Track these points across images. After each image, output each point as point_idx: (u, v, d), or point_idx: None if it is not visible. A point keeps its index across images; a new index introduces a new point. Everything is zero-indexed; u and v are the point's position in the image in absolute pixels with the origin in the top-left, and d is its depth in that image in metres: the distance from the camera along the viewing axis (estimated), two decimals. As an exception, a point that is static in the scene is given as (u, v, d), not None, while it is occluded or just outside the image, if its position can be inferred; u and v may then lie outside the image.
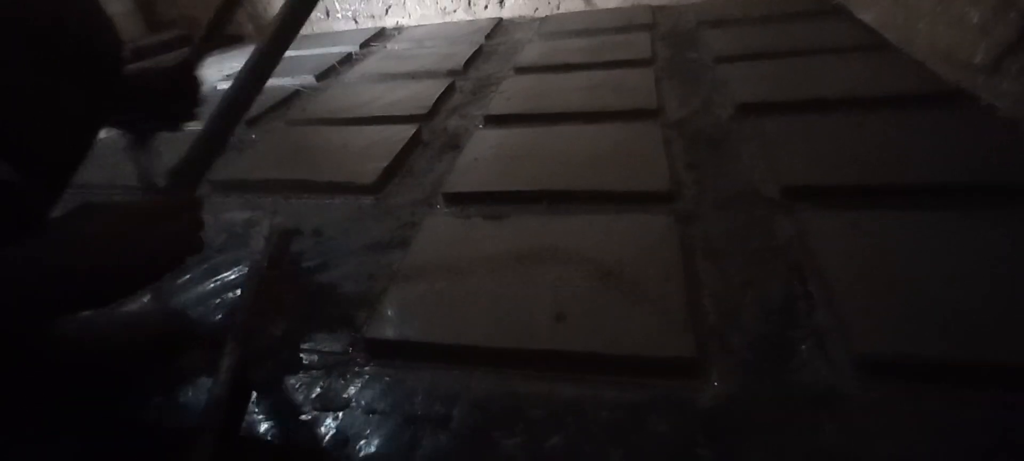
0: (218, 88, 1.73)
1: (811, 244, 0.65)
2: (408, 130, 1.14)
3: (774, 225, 0.72)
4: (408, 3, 2.16)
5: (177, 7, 2.43)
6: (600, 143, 0.97)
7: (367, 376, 0.59)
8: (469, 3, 2.11)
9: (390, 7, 2.19)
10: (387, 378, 0.59)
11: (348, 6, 2.23)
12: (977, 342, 0.50)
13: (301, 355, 0.63)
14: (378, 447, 0.51)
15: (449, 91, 1.38)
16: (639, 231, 0.72)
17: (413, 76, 1.52)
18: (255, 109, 1.35)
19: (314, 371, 0.61)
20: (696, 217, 0.77)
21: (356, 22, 2.26)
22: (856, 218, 0.69)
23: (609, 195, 0.83)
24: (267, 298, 0.73)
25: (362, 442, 0.51)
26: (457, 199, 0.89)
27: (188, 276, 0.80)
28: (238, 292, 0.75)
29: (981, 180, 0.75)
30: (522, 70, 1.45)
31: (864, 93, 1.02)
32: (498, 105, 1.22)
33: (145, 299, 0.77)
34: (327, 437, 0.53)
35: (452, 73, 1.50)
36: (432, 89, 1.36)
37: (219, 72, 1.90)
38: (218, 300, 0.75)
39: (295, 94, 1.53)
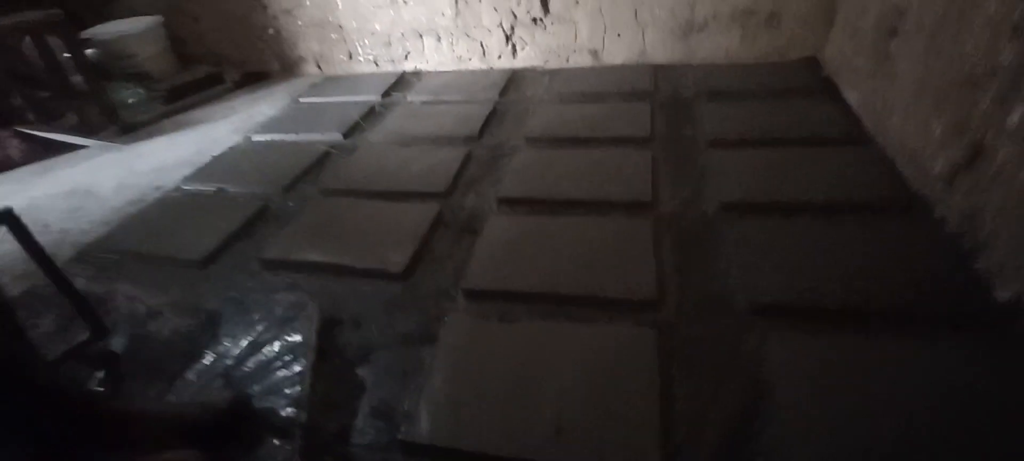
0: (253, 139, 1.89)
1: (769, 364, 0.80)
2: (431, 210, 1.30)
3: (740, 340, 0.87)
4: (426, 50, 2.30)
5: (205, 45, 2.59)
6: (598, 240, 1.12)
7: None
8: (483, 53, 2.25)
9: (409, 53, 2.34)
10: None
11: (370, 51, 2.37)
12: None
13: (351, 449, 0.79)
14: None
15: (466, 161, 1.52)
16: (627, 344, 0.87)
17: (433, 141, 1.67)
18: (291, 171, 1.52)
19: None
20: (676, 327, 0.91)
21: (377, 65, 2.40)
22: (811, 341, 0.83)
23: (603, 301, 0.97)
24: (322, 393, 0.88)
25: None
26: (475, 296, 1.04)
27: (250, 356, 0.96)
28: (295, 377, 0.91)
29: (923, 305, 0.89)
30: (532, 140, 1.60)
31: (835, 197, 1.16)
32: (510, 185, 1.36)
33: (218, 384, 0.93)
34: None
35: (469, 140, 1.65)
36: (451, 160, 1.51)
37: (250, 120, 2.05)
38: (279, 379, 0.91)
39: (325, 155, 1.68)
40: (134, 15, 2.48)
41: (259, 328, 1.03)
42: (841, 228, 1.07)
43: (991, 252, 0.94)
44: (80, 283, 1.24)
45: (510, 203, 1.31)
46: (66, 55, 2.14)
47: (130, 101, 2.27)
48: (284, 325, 1.03)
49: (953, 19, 1.12)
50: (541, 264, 1.07)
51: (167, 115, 2.22)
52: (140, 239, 1.37)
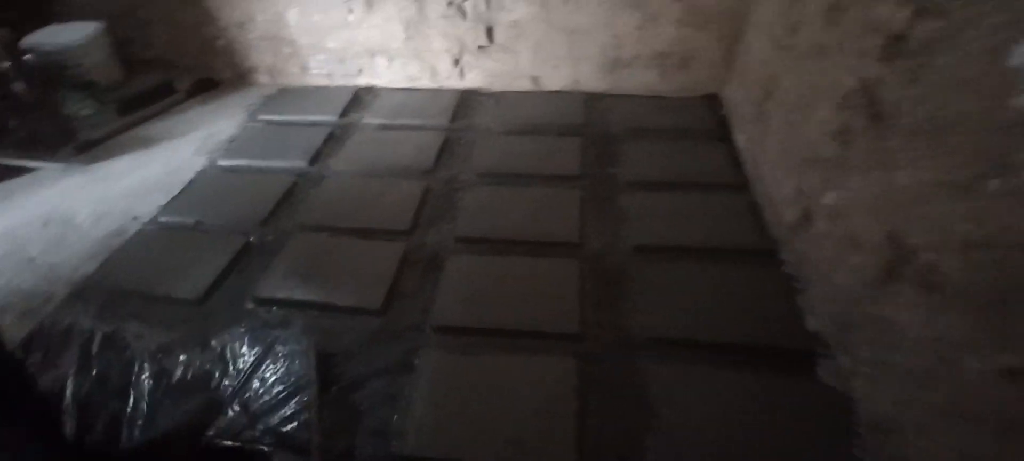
0: (220, 164, 2.02)
1: (653, 390, 1.15)
2: (398, 248, 1.56)
3: (637, 367, 1.22)
4: (379, 68, 2.47)
5: (153, 49, 2.60)
6: (538, 278, 1.43)
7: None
8: (433, 73, 2.44)
9: (362, 70, 2.49)
10: (412, 480, 1.04)
11: (324, 66, 2.50)
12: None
13: (353, 456, 1.08)
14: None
15: (425, 196, 1.77)
16: (557, 372, 1.19)
17: (393, 173, 1.89)
18: (265, 203, 1.71)
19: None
20: (593, 357, 1.25)
21: (330, 79, 2.54)
22: (687, 368, 1.19)
23: (541, 335, 1.29)
24: (328, 418, 1.15)
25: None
26: (442, 331, 1.33)
27: (262, 387, 1.21)
28: (304, 405, 1.17)
29: (761, 335, 1.26)
30: (481, 175, 1.86)
31: (715, 242, 1.52)
32: (464, 225, 1.64)
33: (233, 412, 1.17)
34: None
35: (425, 173, 1.89)
36: (411, 195, 1.76)
37: (211, 139, 2.17)
38: (291, 408, 1.17)
39: (294, 186, 1.86)
40: (72, 19, 2.45)
41: (266, 362, 1.27)
42: (717, 269, 1.44)
43: (807, 293, 1.34)
44: (86, 322, 1.42)
45: (466, 242, 1.59)
46: (6, 64, 2.13)
47: (83, 113, 2.29)
48: (286, 359, 1.28)
49: (801, 107, 1.48)
50: (494, 302, 1.37)
51: (123, 129, 2.27)
52: (133, 276, 1.53)
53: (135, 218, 1.77)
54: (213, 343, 1.33)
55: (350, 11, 2.29)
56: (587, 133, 2.07)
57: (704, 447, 1.05)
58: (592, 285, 1.43)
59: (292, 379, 1.24)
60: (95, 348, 1.34)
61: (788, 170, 1.53)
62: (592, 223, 1.64)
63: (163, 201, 1.83)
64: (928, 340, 0.90)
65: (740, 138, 1.97)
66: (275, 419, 1.16)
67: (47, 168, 2.06)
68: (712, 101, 2.23)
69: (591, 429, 1.11)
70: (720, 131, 2.04)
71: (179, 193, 1.86)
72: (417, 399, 1.16)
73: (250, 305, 1.43)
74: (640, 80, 2.29)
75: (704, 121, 2.09)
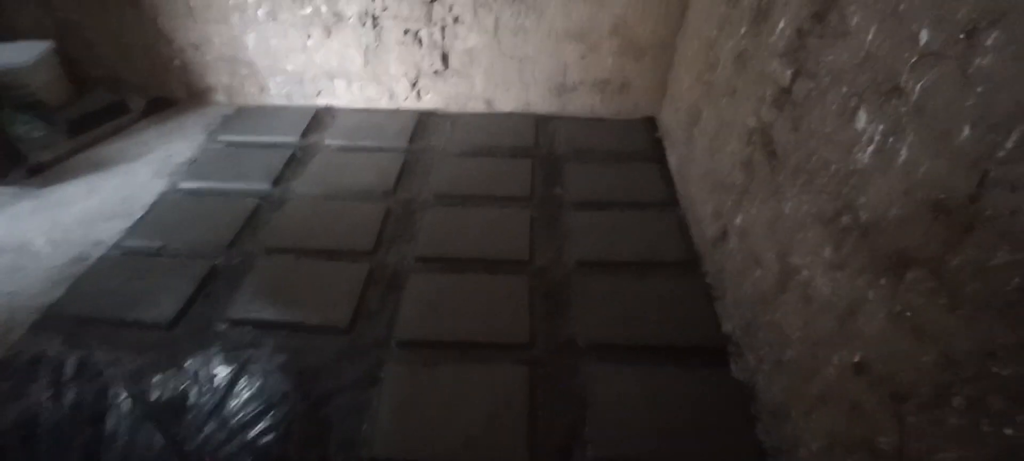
0: (181, 186, 2.06)
1: (590, 389, 1.33)
2: (362, 268, 1.67)
3: (577, 370, 1.39)
4: (338, 90, 2.56)
5: (102, 67, 2.58)
6: (491, 294, 1.58)
7: (370, 480, 1.18)
8: (391, 96, 2.56)
9: (321, 91, 2.57)
10: (381, 481, 1.18)
11: (282, 87, 2.57)
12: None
13: (330, 468, 1.20)
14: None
15: (386, 217, 1.89)
16: (509, 378, 1.35)
17: (355, 195, 2.00)
18: (230, 227, 1.78)
19: (341, 479, 1.18)
20: (541, 363, 1.42)
21: (289, 100, 2.60)
22: (621, 368, 1.37)
23: (495, 345, 1.45)
24: (301, 431, 1.26)
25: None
26: (405, 345, 1.46)
27: (238, 404, 1.30)
28: (280, 419, 1.28)
29: (684, 338, 1.47)
30: (439, 196, 2.00)
31: (646, 256, 1.72)
32: (424, 244, 1.77)
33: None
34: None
35: (386, 195, 2.01)
36: (373, 217, 1.87)
37: (169, 161, 2.20)
38: (266, 423, 1.27)
39: (257, 208, 1.94)
40: (14, 37, 2.41)
41: (240, 381, 1.37)
42: (648, 280, 1.64)
43: (723, 301, 1.56)
44: (54, 349, 1.46)
45: (425, 261, 1.73)
46: (-56, 85, 2.10)
47: (33, 135, 2.27)
48: (259, 377, 1.38)
49: (718, 137, 1.70)
50: (452, 316, 1.52)
51: (75, 151, 2.27)
52: (99, 303, 1.57)
53: (96, 244, 1.80)
54: (187, 365, 1.41)
55: (308, 36, 2.37)
56: (536, 154, 2.25)
57: (634, 433, 1.24)
58: (540, 298, 1.60)
59: (266, 396, 1.34)
60: (66, 375, 1.39)
61: (709, 191, 1.75)
62: (540, 241, 1.81)
63: (124, 226, 1.86)
64: (806, 342, 1.12)
65: (672, 159, 2.19)
66: (251, 434, 1.26)
67: (-3, 193, 2.04)
68: (649, 123, 2.45)
69: (540, 426, 1.27)
70: (655, 152, 2.26)
71: (141, 217, 1.90)
72: (383, 409, 1.29)
73: (221, 327, 1.51)
74: (585, 103, 2.49)
75: (641, 142, 2.31)
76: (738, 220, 1.51)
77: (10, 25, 2.43)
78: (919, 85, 0.83)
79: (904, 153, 0.86)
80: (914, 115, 0.84)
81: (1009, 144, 0.66)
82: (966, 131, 0.73)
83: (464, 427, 1.25)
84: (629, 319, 1.51)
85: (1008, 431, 0.65)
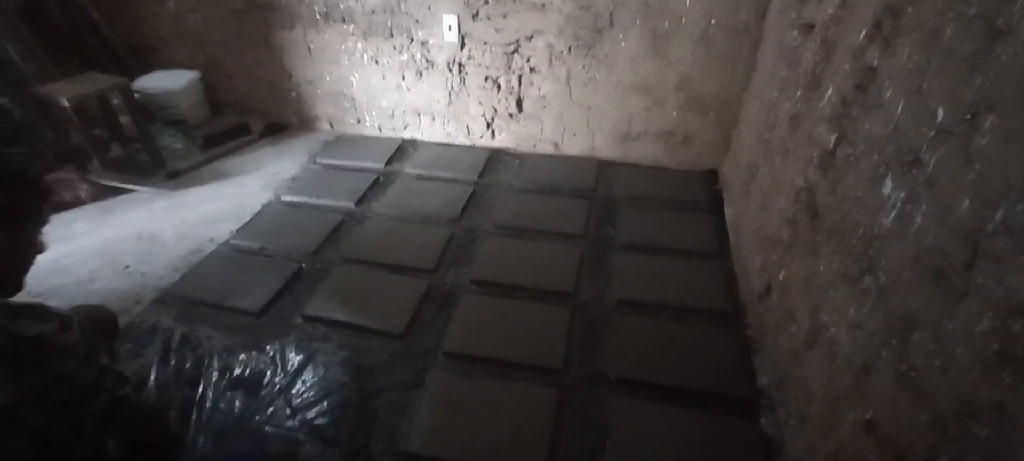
0: (283, 199, 2.40)
1: (614, 420, 1.40)
2: (422, 284, 1.86)
3: (604, 401, 1.47)
4: (422, 124, 2.85)
5: (234, 96, 3.07)
6: (534, 320, 1.70)
7: (404, 470, 1.32)
8: (468, 133, 2.81)
9: (408, 125, 2.88)
10: (413, 472, 1.31)
11: (376, 119, 2.91)
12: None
13: (372, 454, 1.36)
14: (411, 507, 1.23)
15: (449, 242, 2.09)
16: (539, 398, 1.45)
17: (424, 220, 2.22)
18: (317, 236, 2.04)
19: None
20: (570, 388, 1.50)
21: (380, 131, 2.94)
22: (645, 405, 1.43)
23: (530, 367, 1.56)
24: (351, 418, 1.44)
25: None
26: (450, 356, 1.61)
27: (303, 387, 1.51)
28: (336, 405, 1.46)
29: (716, 386, 1.49)
30: (499, 227, 2.17)
31: (690, 303, 1.76)
32: (479, 269, 1.93)
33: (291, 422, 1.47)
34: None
35: (452, 221, 2.21)
36: (437, 240, 2.07)
37: (276, 177, 2.56)
38: (325, 406, 1.46)
39: (341, 223, 2.21)
40: (174, 66, 2.95)
41: (307, 368, 1.58)
42: (686, 325, 1.68)
43: (760, 354, 1.56)
44: (167, 322, 1.76)
45: (478, 283, 1.89)
46: (116, 102, 2.61)
47: (174, 146, 2.74)
48: (323, 367, 1.58)
49: (771, 194, 1.73)
50: (495, 336, 1.65)
51: (204, 163, 2.71)
52: (206, 288, 1.88)
53: (211, 239, 2.15)
54: (267, 348, 1.65)
55: (403, 78, 2.69)
56: (594, 197, 2.36)
57: (650, 471, 1.29)
58: (578, 330, 1.69)
59: (326, 384, 1.54)
60: (174, 344, 1.68)
61: (758, 246, 1.78)
62: (586, 277, 1.91)
63: (234, 227, 2.21)
64: (826, 398, 1.13)
65: (729, 212, 2.22)
66: (310, 414, 1.46)
67: (141, 191, 2.49)
68: (711, 176, 2.49)
69: (561, 447, 1.35)
70: (713, 204, 2.30)
71: (248, 221, 2.24)
72: (423, 409, 1.44)
73: (298, 321, 1.75)
74: (647, 152, 2.59)
75: (700, 194, 2.36)
76: (781, 276, 1.53)
77: (170, 57, 2.98)
78: (934, 158, 0.88)
79: (918, 220, 0.90)
80: (928, 186, 0.88)
81: (997, 218, 0.70)
82: (966, 204, 0.77)
83: (491, 437, 1.36)
84: (663, 361, 1.56)
85: (986, 492, 0.67)
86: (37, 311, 0.83)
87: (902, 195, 0.96)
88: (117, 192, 2.46)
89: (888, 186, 1.02)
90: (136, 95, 2.64)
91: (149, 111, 2.79)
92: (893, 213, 0.98)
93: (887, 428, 0.90)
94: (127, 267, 2.02)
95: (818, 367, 1.19)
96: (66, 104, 2.21)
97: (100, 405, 0.88)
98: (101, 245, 2.14)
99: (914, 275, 0.88)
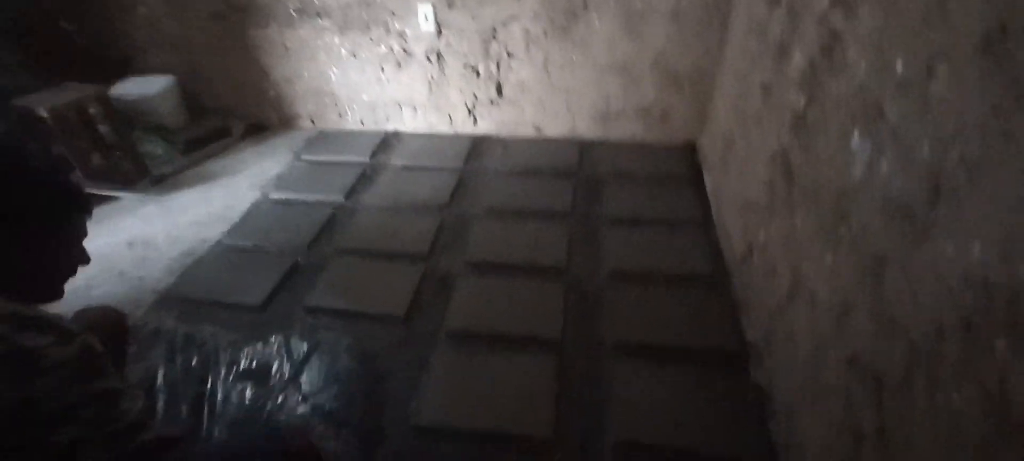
0: (271, 197, 2.41)
1: (614, 382, 1.47)
2: (418, 269, 1.91)
3: (603, 365, 1.54)
4: (404, 116, 2.87)
5: (214, 100, 3.04)
6: (530, 295, 1.76)
7: (415, 440, 1.37)
8: (450, 121, 2.84)
9: (390, 117, 2.90)
10: (424, 445, 1.37)
11: (358, 113, 2.92)
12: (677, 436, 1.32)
13: (385, 432, 1.41)
14: (427, 477, 1.29)
15: (441, 228, 2.13)
16: (541, 367, 1.52)
17: (415, 208, 2.26)
18: (309, 231, 2.07)
19: (392, 439, 1.38)
20: (569, 357, 1.57)
21: (363, 124, 2.95)
22: (643, 366, 1.51)
23: (530, 340, 1.62)
24: (363, 401, 1.49)
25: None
26: (453, 336, 1.66)
27: (311, 376, 1.55)
28: (347, 390, 1.51)
29: (710, 343, 1.58)
30: (488, 210, 2.22)
31: (676, 270, 1.85)
32: (473, 252, 1.99)
33: (301, 410, 1.51)
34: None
35: (442, 208, 2.26)
36: (429, 226, 2.12)
37: (262, 176, 2.56)
38: (336, 390, 1.50)
39: (333, 217, 2.24)
40: (150, 72, 2.91)
41: (313, 357, 1.62)
42: (676, 291, 1.76)
43: (747, 312, 1.65)
44: (170, 322, 1.78)
45: (473, 265, 1.94)
46: (93, 111, 2.57)
47: (156, 152, 2.72)
48: (331, 356, 1.62)
49: (748, 161, 1.82)
50: (494, 313, 1.71)
51: (188, 167, 2.69)
52: (205, 288, 1.90)
53: (203, 241, 2.15)
54: (272, 339, 1.68)
55: (382, 70, 2.71)
56: (579, 176, 2.43)
57: (652, 423, 1.36)
58: (574, 302, 1.76)
59: (334, 370, 1.58)
60: (179, 344, 1.70)
61: (739, 212, 1.86)
62: (577, 252, 1.98)
63: (225, 228, 2.21)
64: (810, 343, 1.22)
65: (709, 183, 2.31)
66: (321, 399, 1.50)
67: (127, 198, 2.47)
68: (689, 149, 2.58)
69: (564, 410, 1.42)
70: (693, 176, 2.39)
71: (239, 221, 2.24)
72: (431, 386, 1.50)
73: (300, 312, 1.79)
74: (627, 130, 2.66)
75: (680, 166, 2.44)
76: (761, 237, 1.61)
77: (147, 63, 2.94)
78: (896, 109, 0.96)
79: (884, 168, 0.98)
80: (892, 136, 0.96)
81: (954, 156, 0.78)
82: (925, 147, 0.85)
83: (499, 405, 1.42)
84: (656, 325, 1.64)
85: (954, 397, 0.75)
86: (41, 322, 0.78)
87: (869, 147, 1.04)
88: (102, 201, 2.44)
89: (856, 140, 1.10)
90: (114, 103, 2.61)
91: (128, 118, 2.75)
92: (862, 165, 1.06)
93: (866, 360, 0.98)
94: (123, 273, 2.02)
95: (801, 316, 1.28)
96: (45, 114, 2.18)
97: (63, 439, 0.73)
98: (94, 253, 2.07)
99: (883, 219, 0.97)
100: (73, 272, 0.93)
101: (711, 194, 2.24)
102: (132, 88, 2.76)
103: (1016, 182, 0.67)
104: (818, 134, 1.28)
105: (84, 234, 0.93)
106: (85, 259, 0.93)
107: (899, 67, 0.96)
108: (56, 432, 0.72)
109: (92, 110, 2.54)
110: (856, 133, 1.10)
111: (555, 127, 2.74)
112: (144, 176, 2.56)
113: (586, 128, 2.70)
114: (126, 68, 2.94)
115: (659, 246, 1.95)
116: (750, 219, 1.73)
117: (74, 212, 0.89)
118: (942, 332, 0.78)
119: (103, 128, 2.61)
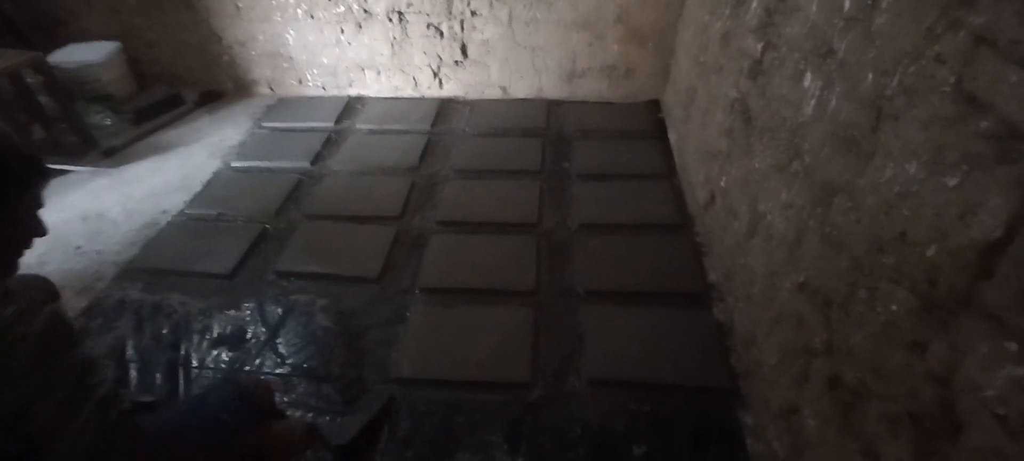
0: (233, 165, 2.35)
1: (586, 326, 1.53)
2: (390, 230, 1.91)
3: (576, 311, 1.60)
4: (367, 80, 2.82)
5: (161, 66, 2.90)
6: (503, 249, 1.80)
7: (395, 392, 1.40)
8: (415, 84, 2.80)
9: (353, 81, 2.84)
10: (405, 395, 1.40)
11: (318, 79, 2.84)
12: (644, 368, 1.40)
13: (366, 384, 1.43)
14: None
15: (411, 190, 2.13)
16: (516, 317, 1.57)
17: (384, 171, 2.25)
18: (276, 197, 2.04)
19: (373, 390, 1.41)
20: (544, 305, 1.63)
21: (325, 90, 2.88)
22: (611, 309, 1.57)
23: (504, 292, 1.66)
24: (341, 357, 1.50)
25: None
26: (427, 292, 1.69)
27: (288, 337, 1.55)
28: (324, 348, 1.52)
29: (674, 286, 1.66)
30: (458, 171, 2.23)
31: (643, 219, 1.91)
32: (444, 211, 2.00)
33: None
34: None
35: (411, 170, 2.25)
36: (399, 188, 2.11)
37: (221, 144, 2.49)
38: (313, 349, 1.51)
39: (299, 183, 2.20)
40: (87, 38, 2.74)
41: (288, 319, 1.62)
42: (643, 239, 1.83)
43: (709, 255, 1.74)
44: (135, 293, 1.74)
45: (445, 224, 1.95)
46: (30, 80, 2.42)
47: (104, 123, 2.59)
48: (306, 317, 1.63)
49: (709, 112, 1.88)
50: (468, 268, 1.74)
51: (140, 137, 2.58)
52: (170, 258, 1.85)
53: (164, 212, 2.09)
54: (244, 305, 1.67)
55: (341, 32, 2.63)
56: (547, 135, 2.46)
57: (623, 361, 1.43)
58: (545, 254, 1.81)
59: (310, 330, 1.58)
60: (146, 314, 1.67)
61: (701, 161, 1.93)
62: (547, 207, 2.02)
63: (186, 198, 2.15)
64: (766, 274, 1.30)
65: (673, 137, 2.38)
66: (300, 358, 1.51)
67: (76, 172, 2.36)
68: (653, 106, 2.63)
69: (541, 354, 1.48)
70: (657, 131, 2.45)
71: (201, 190, 2.18)
72: (409, 340, 1.52)
73: (271, 277, 1.77)
74: (593, 88, 2.69)
75: (644, 123, 2.49)
76: (722, 182, 1.69)
77: (82, 29, 2.77)
78: (843, 44, 1.02)
79: (833, 102, 1.04)
80: (840, 70, 1.02)
81: (894, 83, 0.85)
82: (869, 78, 0.91)
83: (476, 353, 1.47)
84: (624, 271, 1.71)
85: (893, 307, 0.83)
86: (2, 292, 0.75)
87: (820, 84, 1.10)
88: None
89: (808, 79, 1.16)
90: (54, 72, 2.46)
91: (69, 88, 2.59)
92: (813, 101, 1.13)
93: (816, 283, 1.06)
94: (79, 248, 1.94)
95: (759, 251, 1.36)
96: (-24, 83, 2.04)
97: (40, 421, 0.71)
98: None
99: (832, 149, 1.03)
100: (29, 245, 0.87)
101: (675, 147, 2.30)
102: (73, 55, 2.60)
103: (944, 101, 0.73)
104: (774, 76, 1.33)
105: (40, 204, 0.87)
106: (42, 231, 0.86)
107: (846, 3, 1.01)
108: (32, 414, 0.70)
109: (29, 80, 2.40)
110: (809, 72, 1.16)
111: (522, 87, 2.74)
112: (92, 148, 2.44)
113: (552, 88, 2.72)
114: (58, 35, 2.75)
115: (626, 198, 2.01)
116: (712, 167, 1.80)
117: (31, 179, 0.84)
118: (881, 245, 0.86)
119: (44, 99, 2.47)
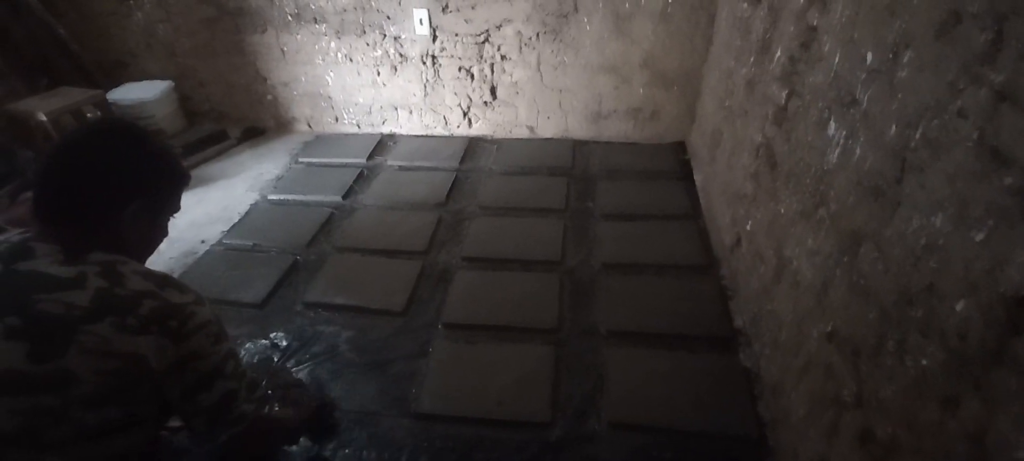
0: (269, 198, 2.45)
1: (608, 366, 1.52)
2: (416, 265, 1.95)
3: (598, 351, 1.59)
4: (400, 119, 2.93)
5: (210, 104, 3.08)
6: (526, 287, 1.81)
7: (415, 427, 1.41)
8: (446, 123, 2.90)
9: (386, 120, 2.95)
10: (425, 431, 1.41)
11: (354, 116, 2.97)
12: (671, 415, 1.37)
13: (385, 418, 1.45)
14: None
15: (438, 225, 2.18)
16: (538, 355, 1.57)
17: (412, 207, 2.31)
18: (308, 230, 2.11)
19: (388, 423, 1.42)
20: (565, 344, 1.62)
21: (359, 128, 3.00)
22: (634, 351, 1.56)
23: (527, 330, 1.67)
24: (361, 389, 1.52)
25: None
26: (451, 327, 1.71)
27: (314, 367, 1.59)
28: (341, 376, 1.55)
29: (698, 330, 1.63)
30: (484, 208, 2.27)
31: (667, 261, 1.91)
32: (470, 247, 2.04)
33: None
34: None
35: (438, 206, 2.31)
36: (426, 224, 2.17)
37: (260, 178, 2.60)
38: (338, 381, 1.54)
39: (331, 216, 2.28)
40: (145, 78, 2.95)
41: (314, 349, 1.66)
42: (667, 280, 1.82)
43: (735, 299, 1.71)
44: (173, 320, 1.81)
45: (470, 260, 1.99)
46: (90, 116, 2.61)
47: (153, 158, 2.74)
48: (333, 347, 1.66)
49: (735, 154, 1.89)
50: (491, 305, 1.76)
51: (186, 170, 2.72)
52: (205, 286, 1.92)
53: (203, 242, 2.19)
54: (273, 335, 1.72)
55: (378, 74, 2.76)
56: (572, 174, 2.49)
57: (645, 404, 1.41)
58: (568, 293, 1.81)
59: (335, 361, 1.62)
60: (181, 339, 1.73)
61: (727, 203, 1.93)
62: (571, 245, 2.03)
63: (224, 229, 2.25)
64: (793, 322, 1.28)
65: (698, 178, 2.38)
66: (324, 389, 1.54)
67: (126, 202, 2.49)
68: (679, 147, 2.65)
69: (562, 393, 1.47)
70: (683, 172, 2.46)
71: (238, 222, 2.28)
72: (430, 375, 1.54)
73: (299, 308, 1.82)
74: (618, 129, 2.73)
75: (670, 163, 2.51)
76: (748, 225, 1.68)
77: (142, 69, 2.98)
78: (867, 95, 1.02)
79: (858, 151, 1.04)
80: (863, 120, 1.03)
81: (918, 135, 0.85)
82: (893, 128, 0.92)
83: (497, 391, 1.47)
84: (648, 312, 1.70)
85: (923, 361, 0.81)
86: (174, 282, 0.85)
87: (844, 133, 1.11)
88: (100, 205, 2.46)
89: (832, 127, 1.16)
90: (111, 108, 2.65)
91: (124, 123, 2.77)
92: (838, 149, 1.13)
93: (844, 332, 1.04)
94: (121, 274, 2.04)
95: (785, 297, 1.34)
96: (44, 118, 2.21)
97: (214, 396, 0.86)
98: (91, 256, 2.15)
99: (857, 198, 1.03)
100: (156, 247, 0.96)
101: (700, 188, 2.30)
102: (130, 93, 2.80)
103: (968, 155, 0.73)
104: (799, 123, 1.34)
105: (178, 208, 0.95)
106: (167, 232, 0.96)
107: (869, 56, 1.02)
108: (208, 389, 0.84)
109: (90, 115, 2.58)
110: (833, 120, 1.16)
111: (548, 127, 2.80)
112: (143, 180, 2.58)
113: (579, 128, 2.77)
114: (120, 75, 2.97)
115: (651, 239, 2.01)
116: (738, 210, 1.79)
117: (181, 186, 0.93)
118: (910, 297, 0.84)
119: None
